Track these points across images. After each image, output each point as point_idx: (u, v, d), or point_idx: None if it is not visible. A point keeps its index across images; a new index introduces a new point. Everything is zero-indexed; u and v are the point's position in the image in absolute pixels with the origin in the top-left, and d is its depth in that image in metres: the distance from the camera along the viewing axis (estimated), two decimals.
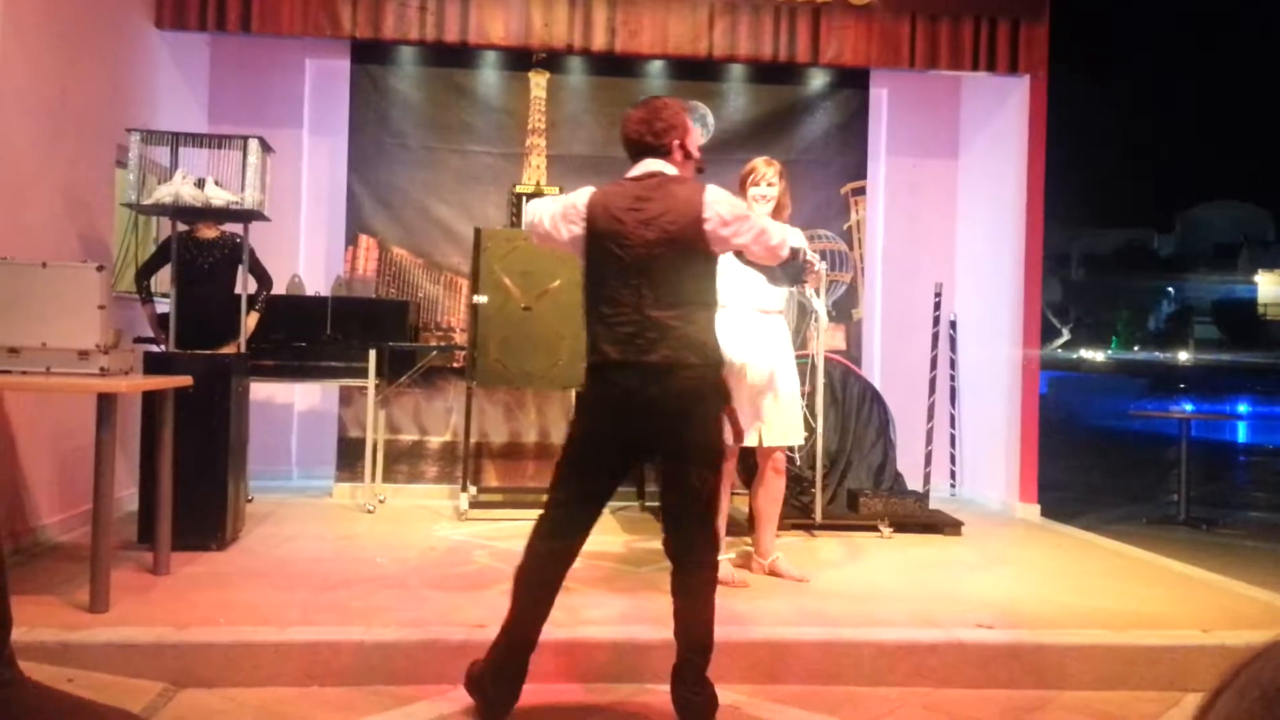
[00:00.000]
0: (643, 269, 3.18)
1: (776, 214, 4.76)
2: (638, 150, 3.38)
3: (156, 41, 6.51)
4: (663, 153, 3.34)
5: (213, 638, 3.66)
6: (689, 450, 3.23)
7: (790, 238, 3.64)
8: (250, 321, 6.01)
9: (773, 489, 4.89)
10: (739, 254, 3.56)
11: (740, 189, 4.80)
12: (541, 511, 3.41)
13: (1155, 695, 3.72)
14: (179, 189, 5.04)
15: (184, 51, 6.93)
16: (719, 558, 4.73)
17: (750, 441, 4.66)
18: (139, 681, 3.45)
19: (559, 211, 3.40)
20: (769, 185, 4.75)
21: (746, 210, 3.41)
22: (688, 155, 3.40)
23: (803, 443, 5.02)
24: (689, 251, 3.21)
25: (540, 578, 3.32)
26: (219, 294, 5.71)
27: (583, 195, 3.39)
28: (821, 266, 4.82)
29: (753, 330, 4.71)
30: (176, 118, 6.48)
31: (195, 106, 7.15)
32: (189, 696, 3.46)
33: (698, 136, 3.51)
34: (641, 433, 3.25)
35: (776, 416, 4.71)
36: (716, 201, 3.25)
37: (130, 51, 6.17)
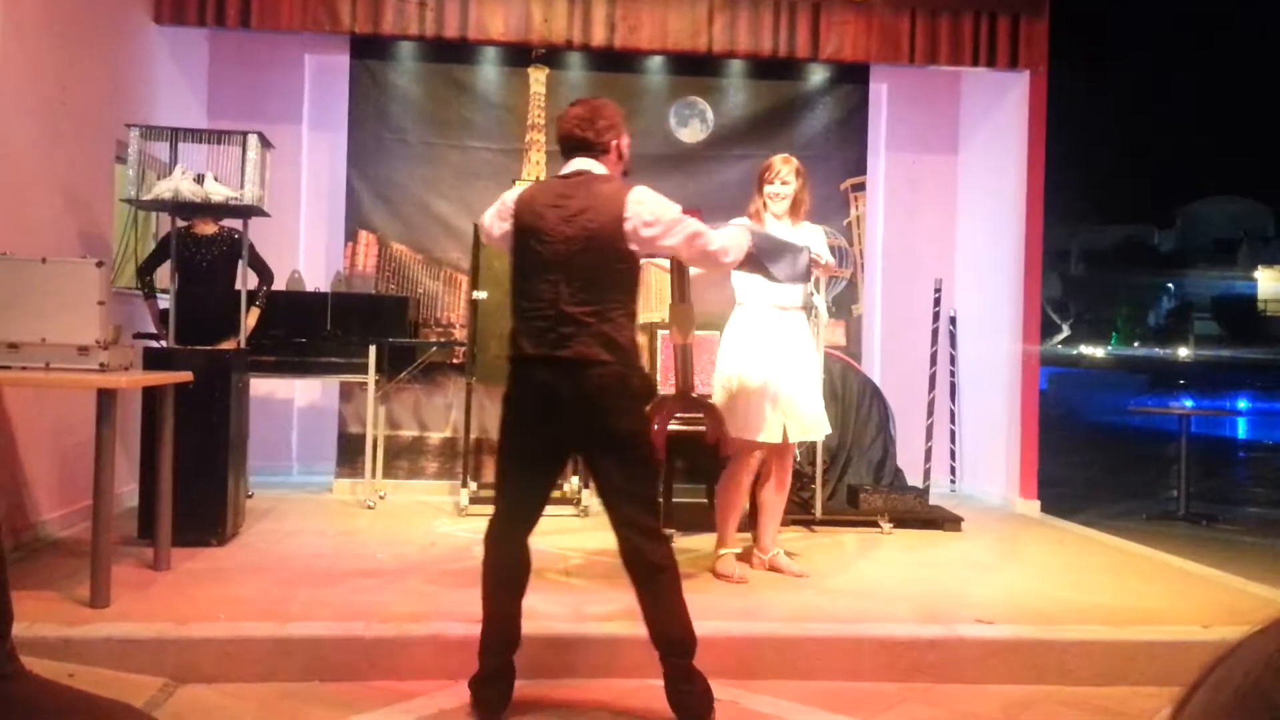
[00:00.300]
0: (561, 265, 3.20)
1: (793, 211, 4.74)
2: (572, 146, 3.38)
3: (156, 37, 6.50)
4: (598, 151, 3.35)
5: (213, 633, 3.66)
6: (605, 446, 3.23)
7: (730, 245, 3.59)
8: (251, 317, 6.01)
9: (784, 483, 4.89)
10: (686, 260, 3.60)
11: (756, 186, 4.81)
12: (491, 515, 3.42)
13: (1154, 690, 3.73)
14: (178, 184, 5.04)
15: (183, 47, 6.92)
16: (724, 551, 4.76)
17: (773, 438, 4.67)
18: (140, 677, 3.45)
19: (496, 210, 3.46)
20: (783, 183, 4.73)
21: (678, 215, 3.36)
22: (621, 156, 3.43)
23: (821, 439, 5.01)
24: (608, 250, 3.21)
25: (499, 579, 3.36)
26: (219, 290, 5.71)
27: (513, 193, 3.44)
28: (830, 260, 4.82)
29: (771, 326, 4.71)
30: (176, 113, 6.48)
31: (194, 102, 7.15)
32: (189, 692, 3.46)
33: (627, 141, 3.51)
34: (559, 428, 3.24)
35: (799, 411, 4.69)
36: (639, 201, 3.25)
37: (130, 47, 6.16)
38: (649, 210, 3.25)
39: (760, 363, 4.66)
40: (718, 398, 4.75)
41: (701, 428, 5.43)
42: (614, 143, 3.38)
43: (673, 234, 3.30)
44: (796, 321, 4.78)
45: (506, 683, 3.33)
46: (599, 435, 3.22)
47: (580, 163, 3.36)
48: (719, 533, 4.86)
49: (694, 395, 4.47)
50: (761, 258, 4.09)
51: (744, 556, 4.97)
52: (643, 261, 3.44)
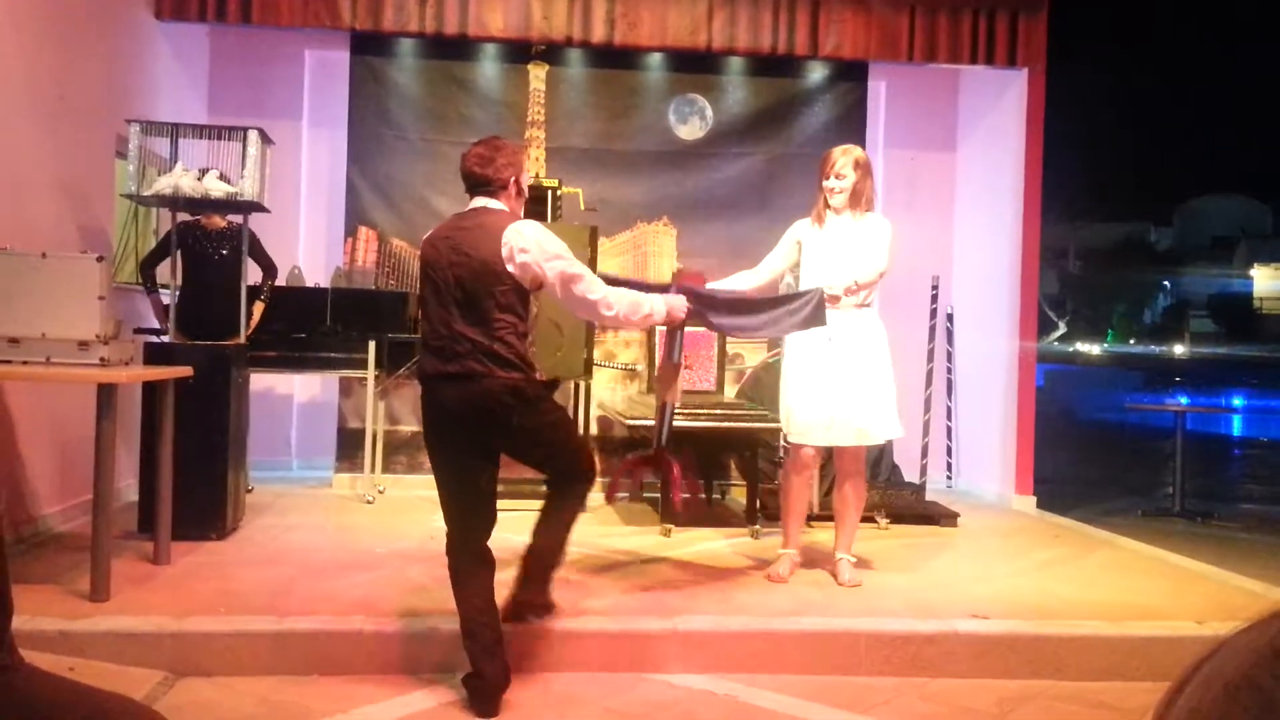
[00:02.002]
0: (451, 291, 3.51)
1: (853, 203, 4.62)
2: (473, 184, 3.67)
3: (156, 33, 6.51)
4: (496, 188, 3.63)
5: (212, 627, 3.68)
6: (515, 442, 3.59)
7: (616, 302, 3.66)
8: (256, 311, 6.03)
9: (856, 487, 4.71)
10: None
11: (816, 182, 4.74)
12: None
13: (1150, 686, 3.75)
14: (178, 180, 5.05)
15: (184, 43, 6.92)
16: (780, 552, 4.73)
17: (806, 439, 4.62)
18: (139, 670, 3.48)
19: None
20: (839, 176, 4.62)
21: (560, 253, 3.54)
22: (520, 193, 3.72)
23: (890, 438, 4.73)
24: (489, 275, 3.47)
25: (465, 578, 3.55)
26: (226, 284, 5.71)
27: (428, 234, 3.77)
28: (857, 282, 4.54)
29: (832, 325, 4.50)
30: (176, 109, 6.49)
31: (195, 98, 7.15)
32: (188, 685, 3.48)
33: (527, 176, 3.81)
34: (468, 436, 3.52)
35: (836, 414, 4.52)
36: (518, 232, 3.51)
37: (130, 43, 6.17)
38: (526, 240, 3.50)
39: (809, 365, 4.60)
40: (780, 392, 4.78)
41: (702, 424, 5.46)
42: (512, 179, 3.65)
43: (548, 267, 3.51)
44: (855, 320, 4.56)
45: (502, 677, 3.39)
46: (505, 436, 3.54)
47: (478, 201, 3.66)
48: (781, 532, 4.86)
49: (662, 456, 4.39)
50: (720, 321, 4.27)
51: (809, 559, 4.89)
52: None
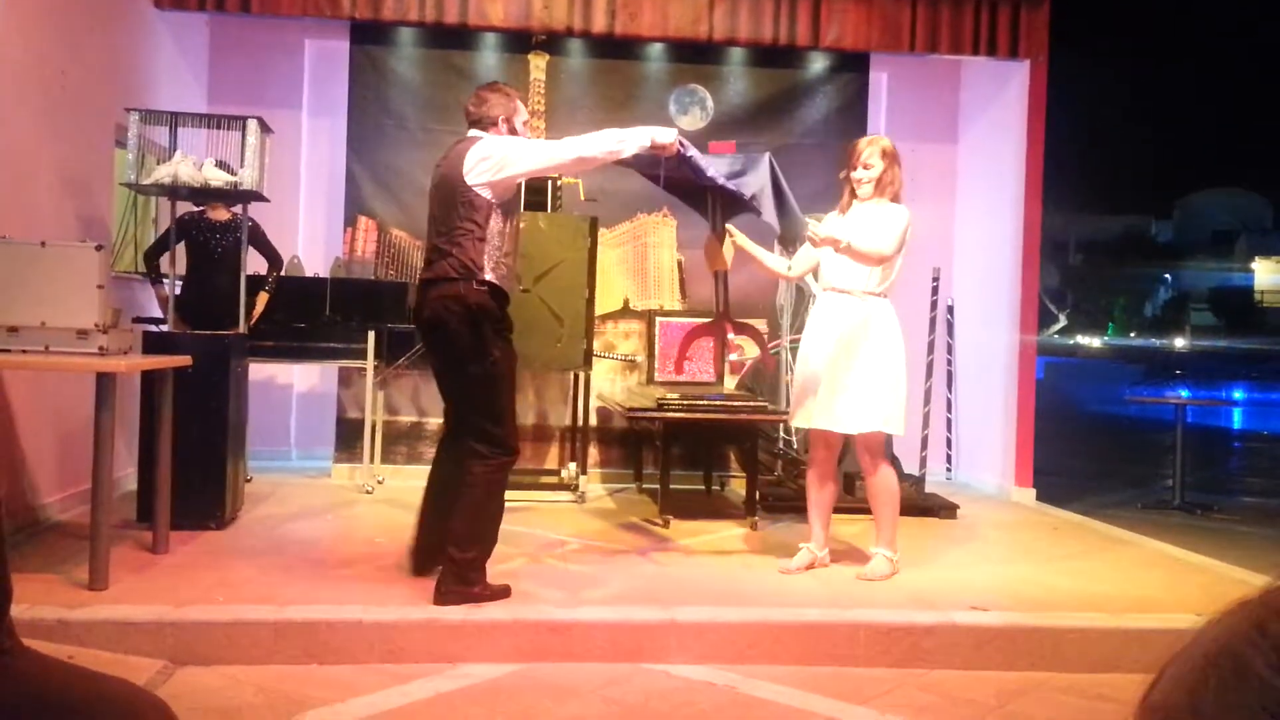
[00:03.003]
0: (432, 205, 4.04)
1: (878, 192, 4.60)
2: (470, 123, 4.11)
3: (156, 22, 6.49)
4: (486, 124, 4.05)
5: (211, 616, 3.68)
6: (445, 353, 3.97)
7: (587, 141, 3.93)
8: (260, 302, 6.02)
9: (870, 483, 4.68)
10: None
11: (844, 173, 4.72)
12: None
13: (1148, 678, 3.75)
14: (177, 169, 5.04)
15: (183, 32, 6.91)
16: (803, 545, 4.72)
17: (799, 422, 4.71)
18: (138, 659, 3.47)
19: None
20: (865, 166, 4.62)
21: (517, 144, 3.93)
22: (514, 131, 4.08)
23: (868, 430, 4.54)
24: (450, 188, 3.93)
25: (429, 488, 4.24)
26: (230, 276, 5.70)
27: None
28: (831, 236, 4.55)
29: (829, 312, 4.60)
30: (176, 98, 6.47)
31: (194, 87, 7.13)
32: (187, 674, 3.48)
33: (522, 116, 4.16)
34: (426, 342, 4.07)
35: (828, 399, 4.52)
36: (481, 147, 3.92)
37: (130, 32, 6.15)
38: (486, 147, 3.90)
39: (811, 348, 4.65)
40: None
41: (701, 415, 5.46)
42: (501, 118, 4.05)
43: (513, 157, 3.88)
44: (858, 307, 4.55)
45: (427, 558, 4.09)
46: (437, 342, 3.97)
47: (470, 133, 4.06)
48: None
49: (732, 319, 4.80)
50: (710, 178, 4.37)
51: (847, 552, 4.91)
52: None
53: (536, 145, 3.96)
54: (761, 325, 7.27)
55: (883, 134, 7.72)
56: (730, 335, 4.96)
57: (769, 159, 4.53)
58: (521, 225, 4.54)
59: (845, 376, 4.51)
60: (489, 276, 3.89)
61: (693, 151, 4.19)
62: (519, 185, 4.66)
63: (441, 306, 3.85)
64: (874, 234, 4.52)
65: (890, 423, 4.55)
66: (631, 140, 3.92)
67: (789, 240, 4.72)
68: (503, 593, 3.95)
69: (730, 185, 4.41)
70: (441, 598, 3.84)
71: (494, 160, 3.87)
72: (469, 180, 3.88)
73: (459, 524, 3.91)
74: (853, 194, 4.67)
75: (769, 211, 4.45)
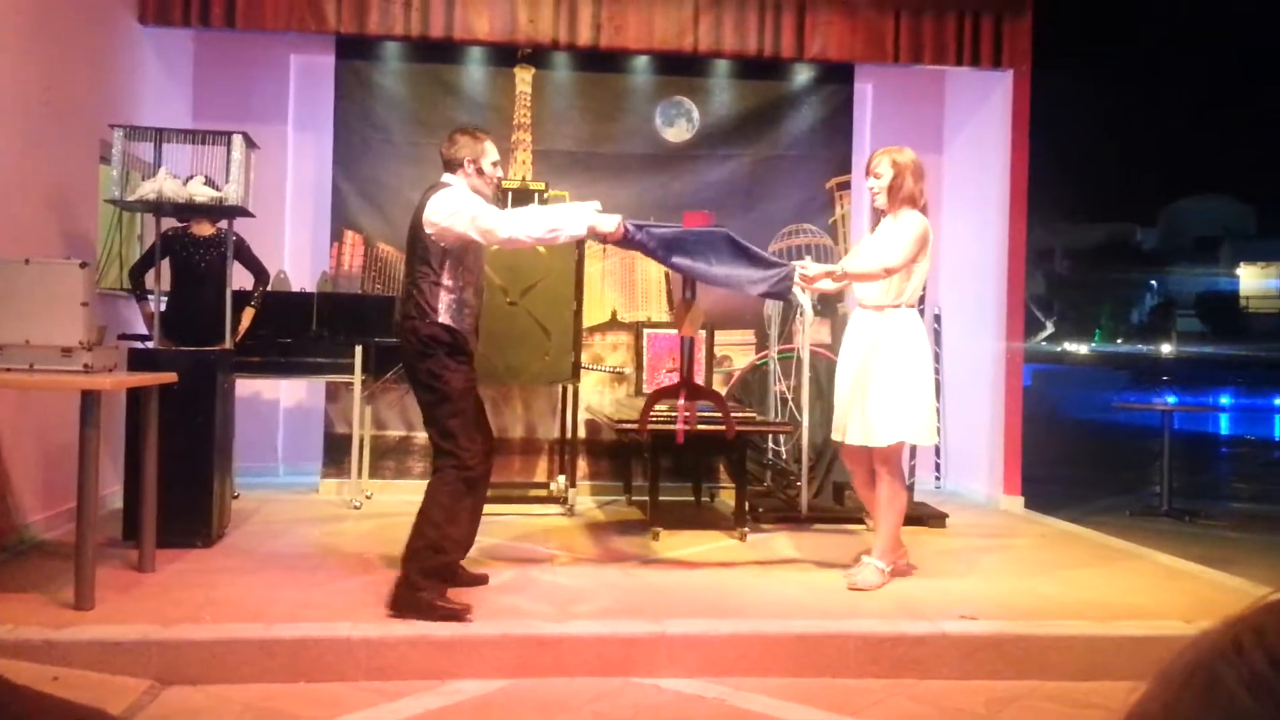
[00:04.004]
0: (405, 248, 4.36)
1: (893, 202, 4.65)
2: (442, 161, 4.39)
3: (140, 37, 6.48)
4: (453, 167, 4.32)
5: (198, 635, 3.66)
6: (411, 382, 4.29)
7: (507, 222, 4.16)
8: (246, 317, 6.00)
9: (878, 490, 4.68)
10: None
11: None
12: None
13: (1137, 685, 3.75)
14: (162, 185, 5.03)
15: (168, 47, 6.89)
16: (873, 564, 4.67)
17: (834, 436, 4.81)
18: (124, 679, 3.45)
19: None
20: (875, 176, 4.68)
21: (460, 206, 4.13)
22: (480, 173, 4.32)
23: (874, 444, 4.57)
24: (414, 232, 4.24)
25: None
26: (216, 291, 5.68)
27: None
28: (822, 271, 4.66)
29: (857, 327, 4.71)
30: (161, 114, 6.46)
31: (179, 102, 7.12)
32: (175, 694, 3.46)
33: (490, 157, 4.37)
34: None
35: (852, 413, 4.62)
36: (436, 200, 4.18)
37: (114, 48, 6.14)
38: (438, 202, 4.17)
39: (840, 365, 4.79)
40: None
41: (673, 426, 5.47)
42: (467, 159, 4.30)
43: (455, 220, 4.12)
44: (880, 321, 4.60)
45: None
46: (412, 381, 4.28)
47: (443, 177, 4.33)
48: None
49: (695, 384, 4.84)
50: (675, 260, 4.46)
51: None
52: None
53: (482, 212, 4.15)
54: (749, 335, 7.29)
55: (868, 145, 7.77)
56: (682, 401, 4.94)
57: (725, 235, 4.55)
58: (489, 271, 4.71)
59: (862, 391, 4.59)
60: (443, 319, 4.15)
61: (641, 236, 4.36)
62: None
63: (402, 340, 4.26)
64: (885, 249, 4.58)
65: (911, 433, 4.60)
66: (569, 227, 4.18)
67: (775, 295, 4.75)
68: (454, 614, 3.89)
69: (682, 264, 4.50)
70: (390, 606, 3.96)
71: (444, 213, 4.13)
72: (426, 228, 4.16)
73: (411, 535, 4.10)
74: (880, 212, 4.73)
75: (746, 287, 4.53)
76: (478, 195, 4.26)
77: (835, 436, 4.84)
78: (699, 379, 6.54)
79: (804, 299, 6.13)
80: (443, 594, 3.99)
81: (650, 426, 5.59)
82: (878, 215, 4.76)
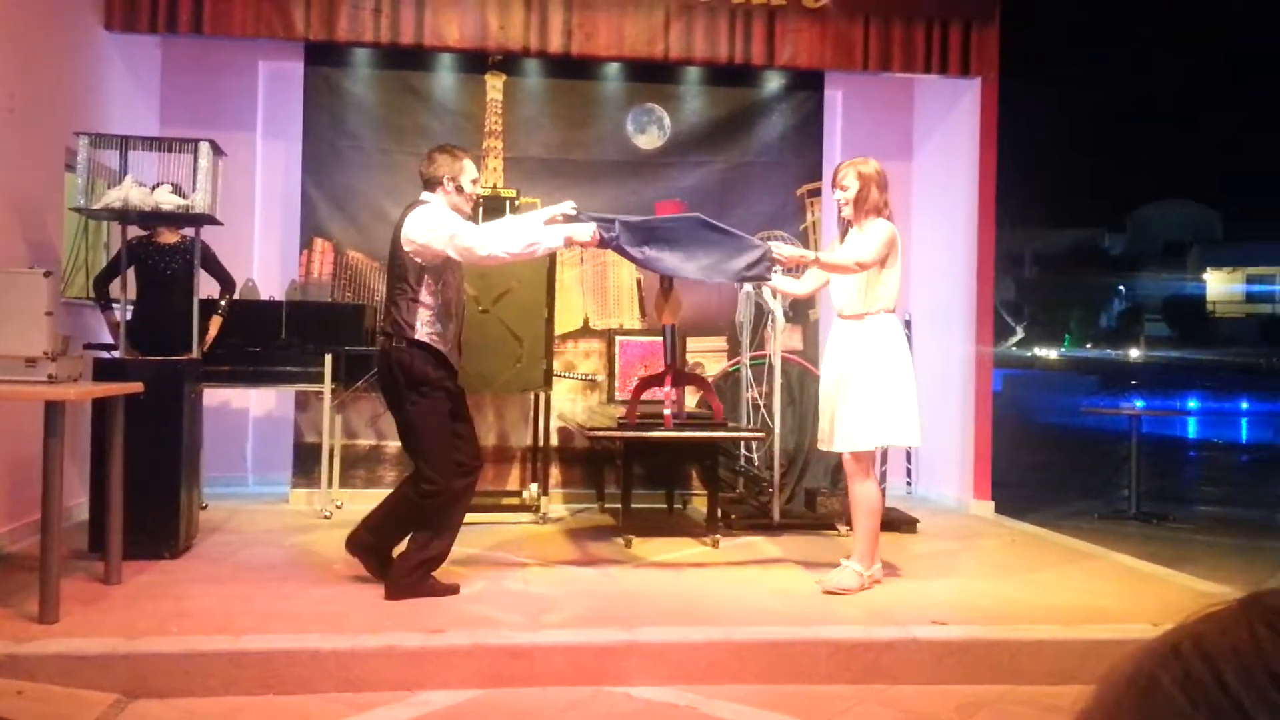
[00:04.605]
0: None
1: (860, 213, 4.68)
2: (421, 179, 4.49)
3: (106, 43, 6.42)
4: (432, 185, 4.43)
5: (165, 647, 3.62)
6: (388, 396, 4.44)
7: (486, 238, 4.31)
8: (213, 325, 5.95)
9: (850, 494, 4.75)
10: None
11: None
12: None
13: (1088, 689, 3.78)
14: (128, 193, 4.98)
15: (134, 53, 6.83)
16: (851, 567, 4.68)
17: (821, 445, 4.85)
18: (90, 693, 3.41)
19: None
20: (842, 188, 4.73)
21: (438, 223, 4.25)
22: (460, 190, 4.44)
23: (846, 449, 4.64)
24: (393, 251, 4.36)
25: None
26: (181, 299, 5.63)
27: None
28: (792, 254, 4.79)
29: (836, 336, 4.78)
30: (127, 121, 6.40)
31: (146, 110, 7.06)
32: (142, 707, 3.42)
33: (469, 175, 4.49)
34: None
35: (829, 420, 4.70)
36: (412, 217, 4.30)
37: (80, 54, 6.08)
38: (415, 219, 4.29)
39: (825, 374, 4.83)
40: None
41: (661, 434, 5.46)
42: (446, 177, 4.41)
43: (433, 238, 4.24)
44: (856, 328, 4.65)
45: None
46: (390, 399, 4.43)
47: (422, 195, 4.45)
48: None
49: (681, 370, 5.07)
50: (648, 254, 4.60)
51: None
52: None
53: (460, 230, 4.26)
54: (720, 343, 7.30)
55: (838, 151, 7.81)
56: (668, 388, 5.17)
57: (698, 218, 4.76)
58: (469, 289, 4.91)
59: (836, 399, 4.66)
60: (419, 336, 4.27)
61: (616, 237, 4.54)
62: None
63: (381, 357, 4.41)
64: (856, 248, 4.63)
65: (892, 436, 4.66)
66: (546, 240, 4.36)
67: (753, 279, 4.93)
68: (447, 589, 4.37)
69: (660, 263, 4.66)
70: (386, 592, 4.32)
71: (422, 231, 4.25)
72: (404, 245, 4.28)
73: (388, 524, 4.53)
74: (848, 222, 4.77)
75: (721, 273, 4.72)
76: (456, 213, 4.38)
77: (821, 445, 4.87)
78: None
79: (775, 305, 6.16)
80: (432, 576, 4.38)
81: (624, 435, 5.58)
82: (845, 226, 4.79)
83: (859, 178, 4.70)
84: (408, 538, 4.44)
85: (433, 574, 4.39)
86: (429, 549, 4.36)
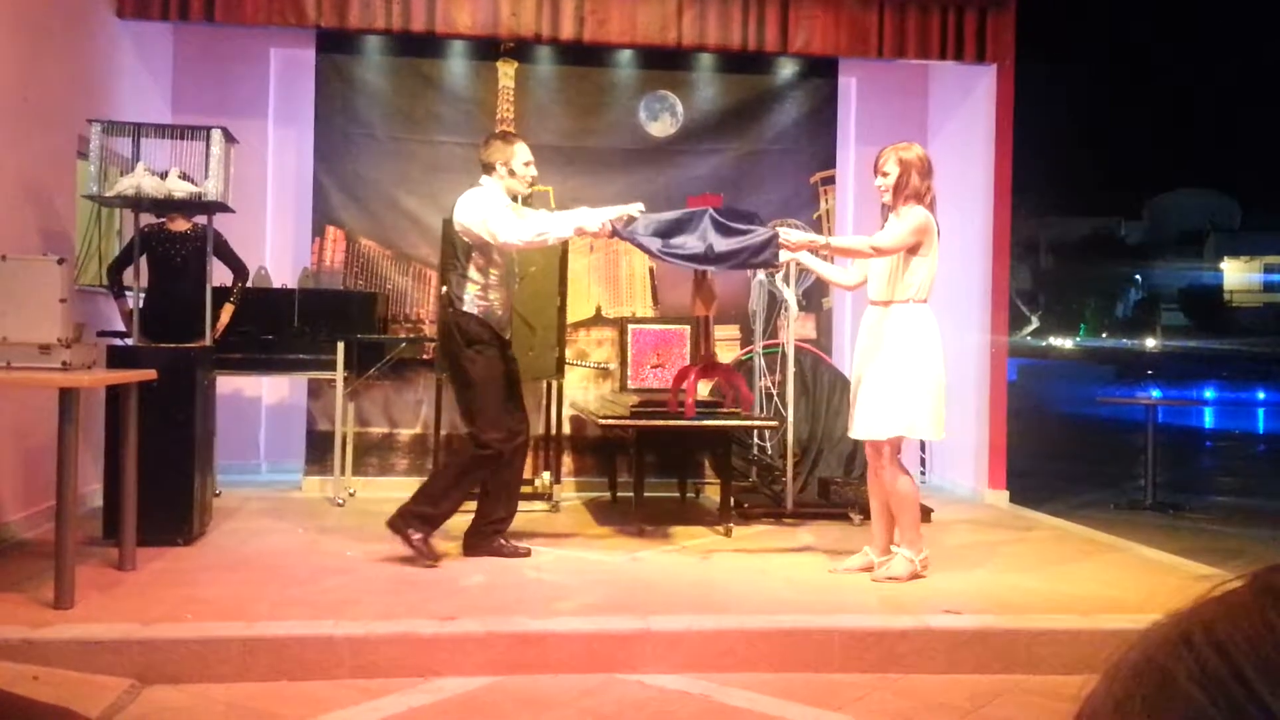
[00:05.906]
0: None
1: (900, 199, 4.60)
2: (481, 168, 4.84)
3: (119, 31, 6.42)
4: (486, 170, 4.79)
5: (179, 634, 3.63)
6: (449, 357, 4.84)
7: (522, 228, 4.63)
8: (225, 313, 5.96)
9: (885, 483, 4.66)
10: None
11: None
12: None
13: (1090, 679, 3.75)
14: (140, 180, 4.98)
15: (147, 41, 6.83)
16: (902, 554, 4.66)
17: (851, 434, 4.84)
18: (104, 678, 3.42)
19: None
20: (882, 174, 4.64)
21: (481, 214, 4.61)
22: (512, 174, 4.77)
23: (872, 438, 4.60)
24: (451, 232, 4.83)
25: None
26: (193, 286, 5.64)
27: None
28: (801, 239, 4.75)
29: (866, 322, 4.71)
30: (139, 109, 6.40)
31: (158, 97, 7.06)
32: (155, 693, 3.43)
33: (522, 158, 4.79)
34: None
35: (859, 409, 4.64)
36: (462, 202, 4.72)
37: (92, 42, 6.08)
38: (463, 205, 4.70)
39: (856, 361, 4.79)
40: None
41: (674, 422, 5.45)
42: (499, 162, 4.75)
43: (477, 226, 4.61)
44: (883, 316, 4.59)
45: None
46: (447, 365, 4.89)
47: (481, 179, 4.80)
48: None
49: (716, 362, 5.28)
50: (661, 247, 4.67)
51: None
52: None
53: (491, 216, 4.61)
54: (734, 331, 7.28)
55: (852, 139, 7.77)
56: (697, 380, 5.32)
57: (706, 212, 4.76)
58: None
59: (864, 385, 4.62)
60: (468, 308, 4.68)
61: (631, 229, 4.67)
62: None
63: (441, 322, 4.87)
64: (879, 233, 4.63)
65: (910, 427, 4.60)
66: (556, 230, 4.66)
67: (762, 265, 5.08)
68: (424, 554, 4.66)
69: (672, 254, 4.71)
70: (388, 522, 4.73)
71: (466, 214, 4.67)
72: (455, 225, 4.72)
73: (423, 492, 4.79)
74: (888, 209, 4.71)
75: (734, 261, 4.75)
76: (510, 195, 4.77)
77: (851, 434, 4.88)
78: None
79: (789, 294, 6.13)
80: (427, 535, 4.69)
81: (637, 424, 5.57)
82: (885, 212, 4.73)
83: (899, 163, 4.61)
84: (418, 492, 4.81)
85: (501, 536, 4.87)
86: (434, 508, 4.70)
